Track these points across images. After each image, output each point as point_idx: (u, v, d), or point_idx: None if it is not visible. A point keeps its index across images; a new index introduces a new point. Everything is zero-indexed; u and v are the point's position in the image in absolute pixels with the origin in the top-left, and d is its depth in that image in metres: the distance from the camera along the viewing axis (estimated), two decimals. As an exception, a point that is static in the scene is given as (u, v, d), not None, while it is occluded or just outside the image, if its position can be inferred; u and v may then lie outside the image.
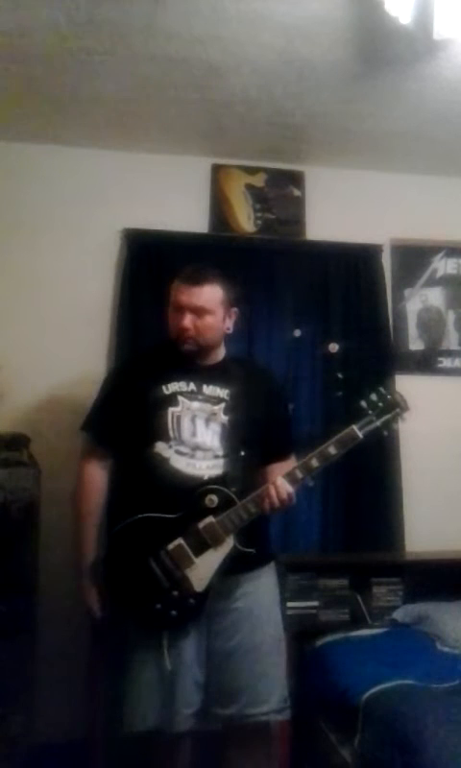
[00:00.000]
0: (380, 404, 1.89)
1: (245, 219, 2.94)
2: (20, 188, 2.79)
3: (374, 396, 1.90)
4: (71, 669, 2.45)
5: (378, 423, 1.89)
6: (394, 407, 1.91)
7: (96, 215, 2.82)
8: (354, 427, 1.86)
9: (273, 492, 1.81)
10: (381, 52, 2.14)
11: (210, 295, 1.92)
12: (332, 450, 1.86)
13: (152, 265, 2.78)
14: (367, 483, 2.81)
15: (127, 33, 2.07)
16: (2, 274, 2.75)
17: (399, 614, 2.61)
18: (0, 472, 2.21)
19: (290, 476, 1.85)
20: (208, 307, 1.92)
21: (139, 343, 2.68)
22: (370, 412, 1.89)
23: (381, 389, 1.94)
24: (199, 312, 1.91)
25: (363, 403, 1.90)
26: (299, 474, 1.85)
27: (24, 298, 2.75)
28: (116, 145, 2.82)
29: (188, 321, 1.91)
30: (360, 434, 1.86)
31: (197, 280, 1.92)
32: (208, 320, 1.92)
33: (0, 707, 2.11)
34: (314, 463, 1.85)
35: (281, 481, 1.82)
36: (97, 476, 1.98)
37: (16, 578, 2.23)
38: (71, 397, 2.66)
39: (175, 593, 1.80)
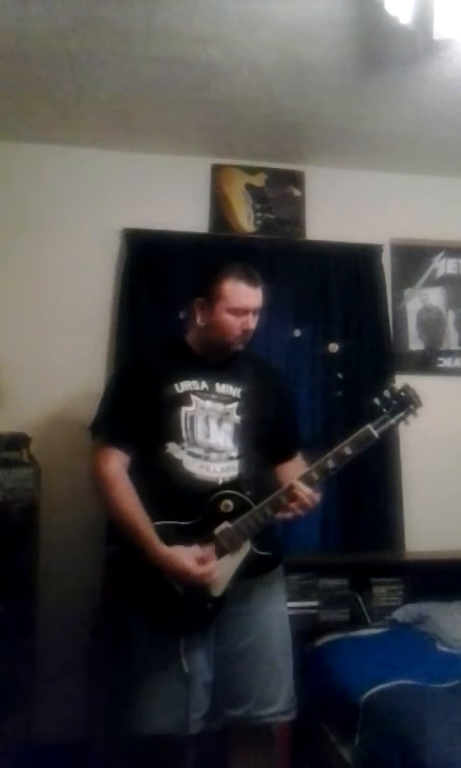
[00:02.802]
0: (394, 402, 1.85)
1: (245, 219, 2.94)
2: (20, 188, 2.79)
3: (387, 394, 1.86)
4: (71, 670, 2.45)
5: (393, 421, 1.85)
6: (408, 404, 1.86)
7: (96, 215, 2.82)
8: (370, 427, 1.83)
9: (294, 503, 1.76)
10: (381, 52, 2.14)
11: (261, 295, 1.94)
12: (348, 451, 1.81)
13: (152, 265, 2.78)
14: (367, 483, 2.81)
15: (127, 33, 2.06)
16: (2, 274, 2.75)
17: (399, 614, 2.61)
18: (0, 472, 2.20)
19: (306, 479, 1.80)
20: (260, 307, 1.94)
21: (139, 342, 2.68)
22: (384, 410, 1.85)
23: (394, 385, 1.91)
24: (256, 312, 1.91)
25: (376, 401, 1.85)
26: (315, 476, 1.81)
27: (24, 298, 2.75)
28: (116, 145, 2.82)
29: (254, 322, 1.90)
30: (376, 433, 1.82)
31: (256, 281, 1.90)
32: (256, 318, 1.93)
33: (0, 707, 2.11)
34: (330, 464, 1.81)
35: (299, 485, 1.78)
36: (121, 468, 1.85)
37: (16, 578, 2.23)
38: (71, 397, 2.67)
39: (191, 600, 1.77)
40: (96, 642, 2.34)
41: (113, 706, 1.98)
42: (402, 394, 1.86)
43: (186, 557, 1.73)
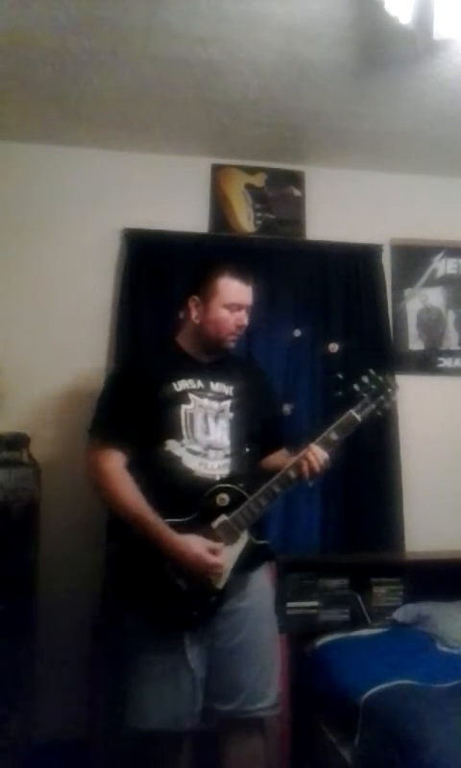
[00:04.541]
0: (373, 386, 1.99)
1: (245, 219, 2.94)
2: (20, 188, 2.79)
3: (365, 379, 1.99)
4: (71, 669, 2.45)
5: (373, 405, 1.98)
6: (386, 388, 2.00)
7: (96, 215, 2.82)
8: (352, 411, 1.95)
9: (312, 457, 1.87)
10: (381, 52, 2.14)
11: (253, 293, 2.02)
12: (334, 436, 1.93)
13: (152, 265, 2.78)
14: (367, 483, 2.81)
15: (127, 33, 2.07)
16: (2, 274, 2.75)
17: (399, 614, 2.61)
18: (0, 472, 2.20)
19: (295, 466, 1.89)
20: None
21: (139, 343, 2.68)
22: (364, 395, 1.97)
23: (371, 371, 2.02)
24: (248, 310, 2.00)
25: (356, 387, 1.98)
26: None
27: (24, 298, 2.75)
28: (116, 145, 2.82)
29: (246, 319, 1.99)
30: (358, 417, 1.95)
31: (248, 279, 1.99)
32: (248, 316, 2.01)
33: (0, 707, 2.11)
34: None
35: (317, 447, 1.89)
36: (121, 466, 1.88)
37: (16, 578, 2.23)
38: (71, 398, 2.67)
39: (195, 595, 1.80)
40: (96, 642, 2.34)
41: (116, 704, 1.99)
42: (380, 378, 2.00)
43: (198, 545, 1.78)
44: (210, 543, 1.79)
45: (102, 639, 2.31)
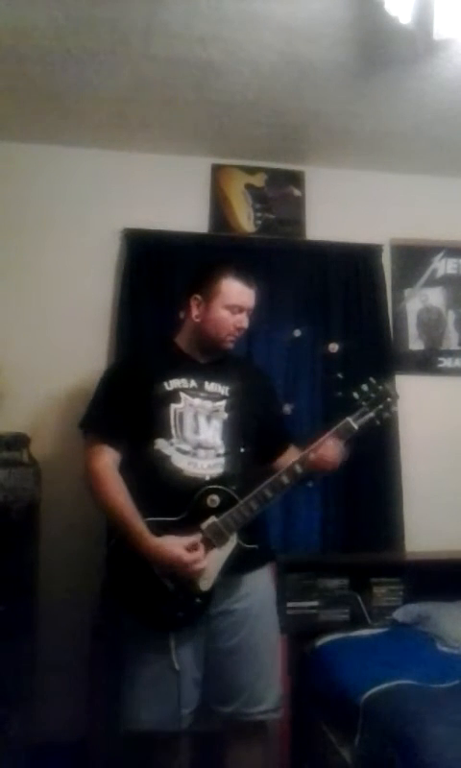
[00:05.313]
0: (372, 395, 1.96)
1: (245, 219, 2.94)
2: (20, 188, 2.79)
3: (365, 387, 1.97)
4: (71, 669, 2.45)
5: (372, 414, 1.96)
6: (385, 397, 1.97)
7: (96, 215, 2.82)
8: (349, 419, 1.94)
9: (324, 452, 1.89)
10: (381, 52, 2.14)
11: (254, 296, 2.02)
12: (330, 443, 1.92)
13: (152, 265, 2.78)
14: (367, 483, 2.81)
15: (127, 33, 2.07)
16: (2, 274, 2.75)
17: (399, 614, 2.61)
18: (0, 472, 2.20)
19: (289, 471, 1.90)
20: None
21: (139, 343, 2.68)
22: (363, 403, 1.95)
23: (371, 379, 2.00)
24: (249, 313, 2.00)
25: (355, 395, 1.97)
26: (298, 469, 1.90)
27: (24, 298, 2.75)
28: (116, 145, 2.82)
29: (246, 322, 1.99)
30: (355, 425, 1.94)
31: (251, 282, 1.99)
32: (248, 319, 2.01)
33: (0, 707, 2.11)
34: (312, 456, 1.91)
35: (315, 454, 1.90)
36: (111, 464, 1.90)
37: (16, 578, 2.23)
38: (71, 398, 2.67)
39: (181, 595, 1.80)
40: (96, 642, 2.34)
41: (110, 704, 2.00)
42: (380, 387, 1.97)
43: (176, 545, 1.77)
44: (186, 540, 1.78)
45: (101, 640, 2.31)
